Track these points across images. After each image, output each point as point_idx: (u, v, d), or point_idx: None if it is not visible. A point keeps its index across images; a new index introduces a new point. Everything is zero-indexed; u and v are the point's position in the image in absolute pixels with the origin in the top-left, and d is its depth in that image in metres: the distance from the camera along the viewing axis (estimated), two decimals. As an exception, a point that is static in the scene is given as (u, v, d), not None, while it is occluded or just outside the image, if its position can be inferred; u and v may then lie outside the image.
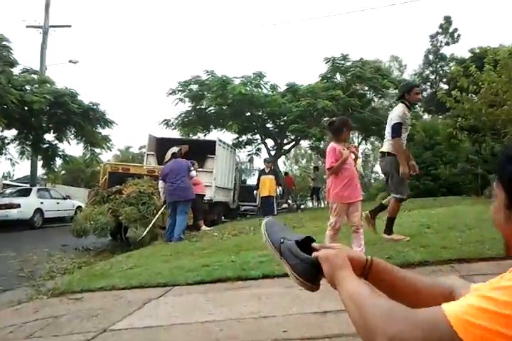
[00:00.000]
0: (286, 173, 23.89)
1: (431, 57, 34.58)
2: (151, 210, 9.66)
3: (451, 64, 28.44)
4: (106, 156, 32.12)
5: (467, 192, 17.77)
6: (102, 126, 18.63)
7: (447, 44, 34.50)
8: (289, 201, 20.83)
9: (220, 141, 15.55)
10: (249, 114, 19.12)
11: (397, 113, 5.49)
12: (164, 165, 10.23)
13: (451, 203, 11.50)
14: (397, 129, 5.40)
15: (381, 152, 5.81)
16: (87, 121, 17.86)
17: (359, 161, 6.01)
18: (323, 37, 65.76)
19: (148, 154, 15.26)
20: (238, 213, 18.84)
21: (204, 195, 12.03)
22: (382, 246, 5.31)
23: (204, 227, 10.95)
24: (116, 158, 36.93)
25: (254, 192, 15.46)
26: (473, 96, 17.29)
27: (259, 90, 18.78)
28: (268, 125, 20.54)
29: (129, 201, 9.80)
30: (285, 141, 20.99)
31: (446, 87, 27.39)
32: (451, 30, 34.28)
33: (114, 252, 8.79)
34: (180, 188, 8.99)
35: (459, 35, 34.13)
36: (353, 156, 5.02)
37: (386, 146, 5.62)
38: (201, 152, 13.90)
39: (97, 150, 19.60)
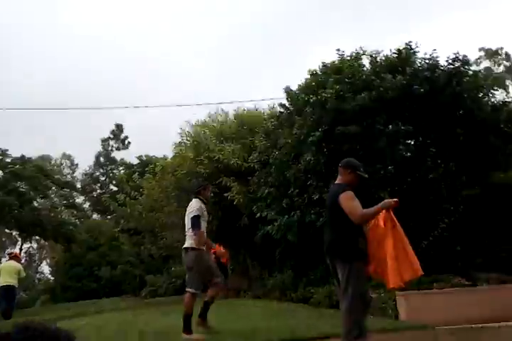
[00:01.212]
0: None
1: (102, 159, 36.06)
2: None
3: (121, 168, 30.24)
4: None
5: (127, 291, 18.19)
6: None
7: (118, 149, 36.86)
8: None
9: None
10: None
11: (194, 207, 5.69)
12: None
13: (107, 307, 11.30)
14: (196, 222, 5.60)
15: (184, 248, 5.73)
16: None
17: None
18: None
19: None
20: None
21: None
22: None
23: None
24: None
25: None
26: (136, 200, 18.48)
27: None
28: None
29: None
30: None
31: (116, 188, 28.54)
32: (122, 136, 37.03)
33: None
34: None
35: (129, 142, 37.09)
36: None
37: (189, 241, 5.67)
38: None
39: None
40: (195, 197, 5.92)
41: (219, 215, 10.76)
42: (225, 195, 10.24)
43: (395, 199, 4.26)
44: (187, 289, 5.61)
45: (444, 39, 35.83)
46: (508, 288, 7.36)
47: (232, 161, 10.18)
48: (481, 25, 44.11)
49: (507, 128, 9.07)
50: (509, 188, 8.99)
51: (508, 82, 28.86)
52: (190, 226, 5.65)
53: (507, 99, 9.46)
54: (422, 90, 7.58)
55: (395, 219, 4.26)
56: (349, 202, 4.24)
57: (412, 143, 7.98)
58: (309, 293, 8.15)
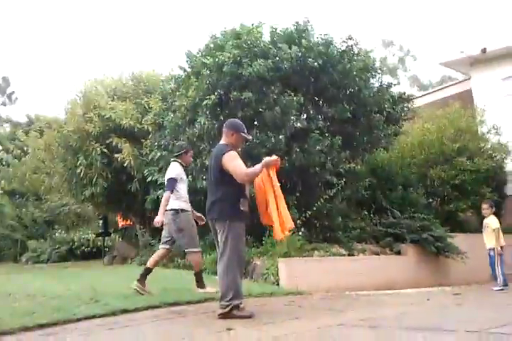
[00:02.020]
0: None
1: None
2: None
3: (6, 125, 27.77)
4: None
5: (6, 258, 17.06)
6: None
7: (3, 104, 33.81)
8: None
9: None
10: None
11: (173, 170, 5.87)
12: None
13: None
14: (170, 184, 5.73)
15: (174, 209, 5.73)
16: None
17: None
18: None
19: None
20: None
21: None
22: None
23: None
24: None
25: None
26: (20, 161, 17.27)
27: None
28: None
29: None
30: None
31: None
32: (8, 91, 33.94)
33: None
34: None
35: (16, 98, 34.15)
36: None
37: (178, 203, 5.74)
38: None
39: None
40: (174, 161, 6.02)
41: (108, 177, 10.37)
42: (116, 156, 9.86)
43: (276, 157, 4.36)
44: (189, 250, 5.80)
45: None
46: (382, 258, 8.05)
47: (124, 121, 9.79)
48: (381, 17, 46.52)
49: (390, 110, 9.74)
50: (388, 167, 9.75)
51: (398, 72, 31.02)
52: (166, 188, 5.79)
53: (394, 82, 10.08)
54: (315, 64, 7.80)
55: (274, 178, 4.36)
56: (232, 162, 4.28)
57: (304, 116, 8.22)
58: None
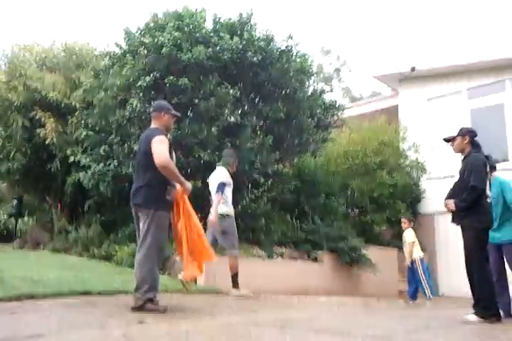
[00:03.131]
0: None
1: None
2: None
3: None
4: None
5: None
6: None
7: None
8: None
9: None
10: None
11: (222, 174, 6.18)
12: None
13: None
14: (221, 188, 6.06)
15: (220, 214, 6.03)
16: None
17: None
18: None
19: None
20: None
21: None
22: None
23: None
24: None
25: None
26: None
27: None
28: None
29: None
30: None
31: None
32: None
33: None
34: None
35: None
36: None
37: (225, 208, 6.09)
38: None
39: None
40: (223, 166, 6.34)
41: (28, 154, 9.45)
42: (38, 131, 9.00)
43: (188, 190, 4.22)
44: (231, 252, 6.13)
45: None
46: (299, 264, 8.02)
47: (51, 94, 8.96)
48: (323, 25, 47.70)
49: (321, 116, 9.80)
50: (314, 173, 9.77)
51: (333, 82, 31.97)
52: (216, 190, 6.07)
53: (327, 89, 10.19)
54: (255, 59, 7.64)
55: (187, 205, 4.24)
56: (160, 145, 4.08)
57: (239, 111, 7.97)
58: (114, 251, 7.71)
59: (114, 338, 2.84)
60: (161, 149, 4.03)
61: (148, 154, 4.07)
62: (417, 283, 8.10)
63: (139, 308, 3.92)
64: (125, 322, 3.44)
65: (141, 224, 4.11)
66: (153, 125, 4.39)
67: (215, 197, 6.11)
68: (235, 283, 6.12)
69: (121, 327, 3.22)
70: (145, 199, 4.10)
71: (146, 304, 3.93)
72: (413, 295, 8.09)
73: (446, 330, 3.82)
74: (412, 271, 8.18)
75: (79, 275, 5.67)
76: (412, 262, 8.14)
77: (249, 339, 2.94)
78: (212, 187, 6.23)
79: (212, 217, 5.95)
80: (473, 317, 4.29)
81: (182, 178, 4.15)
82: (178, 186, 4.18)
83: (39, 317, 3.49)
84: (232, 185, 6.25)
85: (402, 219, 8.76)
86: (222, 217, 6.04)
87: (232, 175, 6.31)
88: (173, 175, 4.06)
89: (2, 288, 4.25)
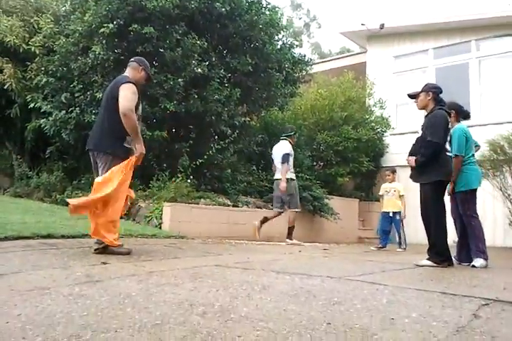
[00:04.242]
0: None
1: None
2: None
3: None
4: None
5: None
6: None
7: None
8: None
9: None
10: None
11: (286, 146, 7.69)
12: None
13: None
14: (286, 158, 7.65)
15: (287, 179, 7.48)
16: None
17: None
18: None
19: None
20: None
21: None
22: None
23: None
24: None
25: None
26: None
27: None
28: None
29: None
30: None
31: None
32: None
33: None
34: None
35: None
36: None
37: (290, 174, 7.58)
38: None
39: None
40: (285, 140, 7.78)
41: None
42: (-5, 76, 8.75)
43: (140, 156, 4.12)
44: (292, 209, 7.57)
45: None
46: (264, 212, 8.28)
47: (8, 39, 8.61)
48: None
49: (290, 70, 9.85)
50: (281, 126, 9.93)
51: (303, 37, 31.53)
52: (281, 160, 7.47)
53: (296, 44, 10.18)
54: (223, 9, 7.55)
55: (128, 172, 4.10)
56: (128, 92, 4.06)
57: (207, 63, 7.96)
58: (77, 197, 7.76)
59: (77, 277, 2.85)
60: (127, 96, 4.01)
61: (115, 98, 4.04)
62: (398, 233, 8.27)
63: (103, 251, 3.99)
64: (88, 263, 3.47)
65: (99, 170, 4.12)
66: (126, 73, 4.34)
67: (281, 166, 7.47)
68: (290, 235, 7.51)
69: (85, 267, 3.25)
70: (105, 145, 4.10)
71: (109, 247, 4.00)
72: (385, 244, 8.22)
73: (399, 272, 3.96)
74: (393, 221, 8.30)
75: (42, 219, 5.65)
76: (395, 213, 8.27)
77: (212, 279, 3.00)
78: (277, 156, 7.62)
79: (284, 183, 7.35)
80: (427, 262, 4.51)
81: (139, 134, 4.11)
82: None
83: (1, 258, 3.45)
84: (293, 156, 7.73)
85: (386, 172, 8.86)
86: (287, 181, 7.40)
87: (293, 145, 7.87)
88: (132, 126, 3.99)
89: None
